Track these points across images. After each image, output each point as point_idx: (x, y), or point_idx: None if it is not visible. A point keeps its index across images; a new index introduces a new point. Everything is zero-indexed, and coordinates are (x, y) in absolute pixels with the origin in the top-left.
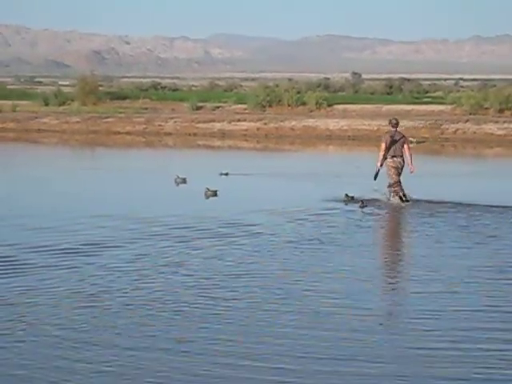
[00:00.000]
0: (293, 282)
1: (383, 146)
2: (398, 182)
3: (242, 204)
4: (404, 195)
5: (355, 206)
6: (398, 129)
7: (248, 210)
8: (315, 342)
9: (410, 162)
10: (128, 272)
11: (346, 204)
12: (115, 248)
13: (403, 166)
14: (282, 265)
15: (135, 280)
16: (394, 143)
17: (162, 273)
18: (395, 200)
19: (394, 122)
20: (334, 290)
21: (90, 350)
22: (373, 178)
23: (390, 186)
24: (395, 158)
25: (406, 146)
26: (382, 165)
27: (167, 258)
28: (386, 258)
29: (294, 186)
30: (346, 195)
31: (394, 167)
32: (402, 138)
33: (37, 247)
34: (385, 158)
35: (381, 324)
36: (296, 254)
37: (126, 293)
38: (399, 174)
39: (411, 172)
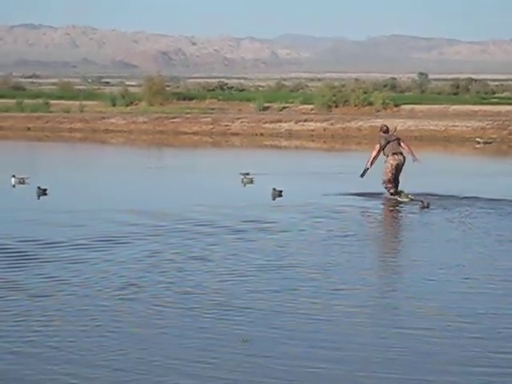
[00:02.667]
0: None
1: (377, 146)
2: (391, 180)
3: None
4: (395, 192)
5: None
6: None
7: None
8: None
9: (412, 154)
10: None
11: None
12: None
13: (403, 164)
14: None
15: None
16: (390, 142)
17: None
18: (388, 195)
19: (385, 128)
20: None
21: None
22: (360, 176)
23: (383, 182)
24: (396, 156)
25: (402, 143)
26: (371, 164)
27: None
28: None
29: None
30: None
31: (394, 164)
32: (396, 137)
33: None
34: (375, 158)
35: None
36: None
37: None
38: (397, 172)
39: (417, 161)
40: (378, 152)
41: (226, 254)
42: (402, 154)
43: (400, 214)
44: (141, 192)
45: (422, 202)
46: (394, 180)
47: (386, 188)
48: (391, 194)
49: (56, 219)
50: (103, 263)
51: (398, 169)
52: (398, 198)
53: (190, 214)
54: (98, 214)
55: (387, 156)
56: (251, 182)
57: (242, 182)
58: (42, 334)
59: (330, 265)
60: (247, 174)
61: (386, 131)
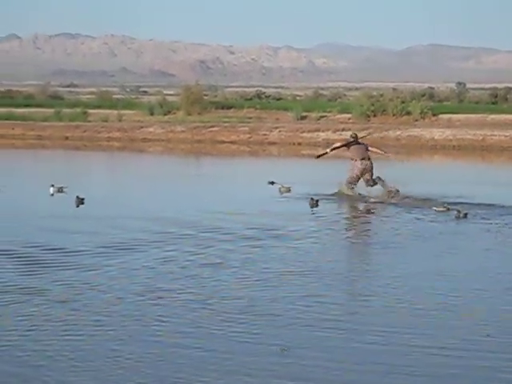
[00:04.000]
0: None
1: (342, 143)
2: (354, 181)
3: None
4: (353, 190)
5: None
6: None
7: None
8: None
9: (382, 151)
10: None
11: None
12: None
13: (371, 168)
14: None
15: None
16: (359, 148)
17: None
18: (350, 192)
19: (354, 135)
20: None
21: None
22: (315, 157)
23: (348, 182)
24: (363, 161)
25: (370, 147)
26: (331, 151)
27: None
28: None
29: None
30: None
31: (361, 169)
32: (364, 145)
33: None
34: (336, 148)
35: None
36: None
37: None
38: (362, 175)
39: (389, 156)
40: (342, 145)
41: (278, 259)
42: (369, 159)
43: (432, 224)
44: (174, 200)
45: (458, 211)
46: (368, 181)
47: (348, 184)
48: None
49: (89, 227)
50: (121, 270)
51: (364, 173)
52: (350, 193)
53: (219, 222)
54: (130, 222)
55: (355, 160)
56: (289, 191)
57: (280, 191)
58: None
59: (360, 272)
60: (272, 182)
61: (355, 138)
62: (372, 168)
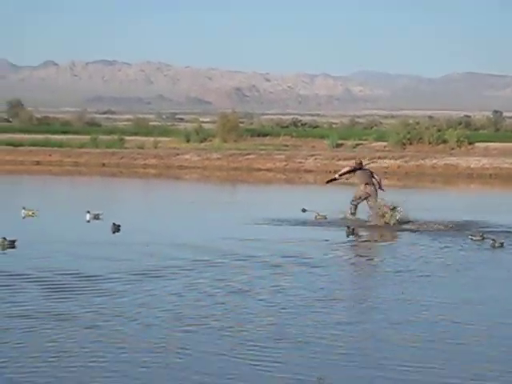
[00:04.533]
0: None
1: (349, 168)
2: (357, 202)
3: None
4: (354, 213)
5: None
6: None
7: None
8: None
9: (380, 184)
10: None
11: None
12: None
13: (374, 192)
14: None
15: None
16: (363, 174)
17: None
18: (350, 216)
19: (358, 161)
20: None
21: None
22: (326, 182)
23: (352, 201)
24: (367, 186)
25: (374, 175)
26: (340, 176)
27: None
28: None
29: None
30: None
31: (364, 192)
32: (369, 171)
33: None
34: (345, 174)
35: None
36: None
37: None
38: (365, 199)
39: (383, 190)
40: (349, 171)
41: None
42: (373, 185)
43: (467, 253)
44: (207, 228)
45: (493, 240)
46: (372, 208)
47: (351, 203)
48: (351, 213)
49: (122, 254)
50: (150, 297)
51: (367, 196)
52: (350, 216)
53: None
54: (162, 249)
55: (359, 185)
56: (325, 218)
57: (316, 218)
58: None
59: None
60: (304, 210)
61: (360, 164)
62: (376, 193)
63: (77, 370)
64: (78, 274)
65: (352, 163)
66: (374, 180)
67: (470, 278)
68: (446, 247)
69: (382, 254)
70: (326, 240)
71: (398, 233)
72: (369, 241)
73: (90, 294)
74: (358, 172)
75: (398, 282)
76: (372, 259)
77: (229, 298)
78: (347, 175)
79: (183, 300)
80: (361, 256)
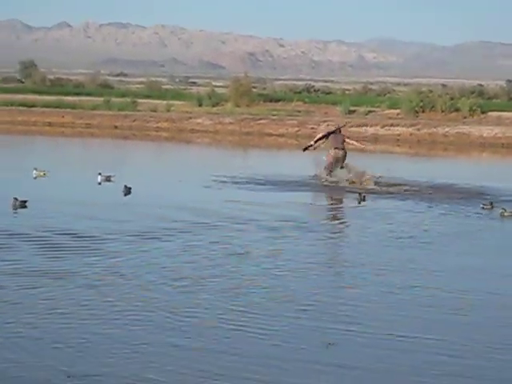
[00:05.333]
0: None
1: (324, 133)
2: (330, 167)
3: None
4: (330, 175)
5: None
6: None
7: None
8: None
9: (359, 143)
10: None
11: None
12: None
13: (344, 156)
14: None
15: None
16: (335, 138)
17: None
18: (325, 176)
19: (337, 126)
20: None
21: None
22: (302, 149)
23: (325, 167)
24: (336, 150)
25: (347, 139)
26: (312, 145)
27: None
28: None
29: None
30: (485, 204)
31: (334, 157)
32: (342, 136)
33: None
34: (319, 140)
35: None
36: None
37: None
38: (337, 162)
39: (364, 145)
40: (323, 136)
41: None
42: (343, 149)
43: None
44: (215, 192)
45: (503, 209)
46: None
47: (325, 169)
48: (327, 175)
49: (127, 215)
50: (147, 255)
51: (338, 160)
52: (328, 177)
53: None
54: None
55: (330, 149)
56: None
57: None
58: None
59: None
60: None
61: (337, 129)
62: (344, 158)
63: (72, 326)
64: (77, 234)
65: (324, 128)
66: (345, 144)
67: (471, 246)
68: (446, 215)
69: (378, 220)
70: (322, 204)
71: (391, 199)
72: (362, 206)
73: (87, 253)
74: (331, 136)
75: (400, 248)
76: (369, 225)
77: (227, 260)
78: (322, 140)
79: (181, 260)
80: (356, 221)
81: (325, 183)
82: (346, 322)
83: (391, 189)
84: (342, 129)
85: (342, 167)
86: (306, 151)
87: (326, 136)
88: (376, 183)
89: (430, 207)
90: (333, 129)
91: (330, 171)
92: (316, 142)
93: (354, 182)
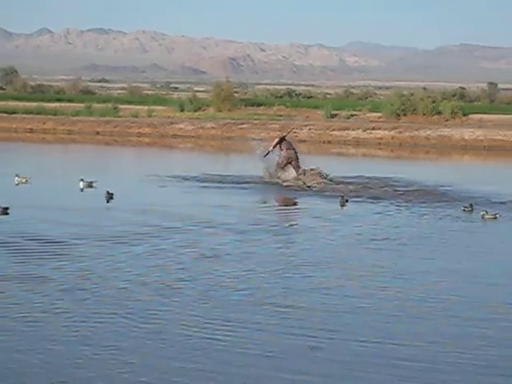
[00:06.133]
0: None
1: (276, 140)
2: (283, 165)
3: None
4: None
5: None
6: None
7: None
8: None
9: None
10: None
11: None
12: None
13: (295, 156)
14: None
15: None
16: (287, 143)
17: None
18: (278, 173)
19: (282, 135)
20: None
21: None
22: (263, 156)
23: (277, 166)
24: (289, 150)
25: (292, 145)
26: (269, 152)
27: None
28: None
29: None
30: (466, 206)
31: (286, 157)
32: (289, 142)
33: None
34: (275, 146)
35: None
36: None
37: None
38: (289, 161)
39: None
40: (278, 143)
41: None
42: (293, 149)
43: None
44: (195, 197)
45: (485, 211)
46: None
47: (277, 169)
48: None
49: (105, 220)
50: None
51: (290, 161)
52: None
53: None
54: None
55: (283, 150)
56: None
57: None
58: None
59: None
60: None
61: (283, 137)
62: (297, 157)
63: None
64: (47, 239)
65: (277, 135)
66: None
67: (443, 247)
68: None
69: (348, 221)
70: (295, 207)
71: (357, 201)
72: (334, 208)
73: (57, 258)
74: (284, 142)
75: (374, 250)
76: (339, 227)
77: (199, 262)
78: (277, 146)
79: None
80: (325, 223)
81: (285, 183)
82: (328, 329)
83: (339, 186)
84: (287, 136)
85: (297, 166)
86: (266, 157)
87: (279, 143)
88: (325, 179)
89: (410, 210)
90: (283, 135)
91: (282, 168)
92: (274, 147)
93: (300, 178)
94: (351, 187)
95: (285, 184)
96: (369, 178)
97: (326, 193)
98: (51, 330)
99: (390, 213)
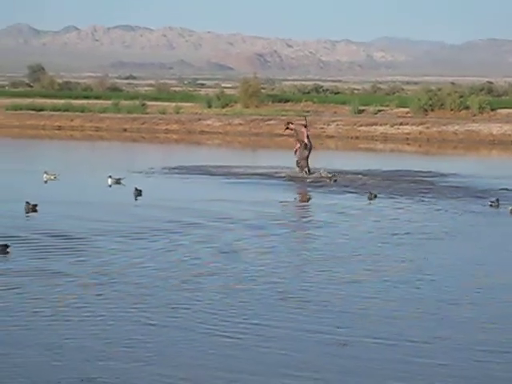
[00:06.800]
0: None
1: (304, 130)
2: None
3: None
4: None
5: None
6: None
7: None
8: None
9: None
10: None
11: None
12: None
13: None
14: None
15: None
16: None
17: None
18: (303, 174)
19: (305, 124)
20: None
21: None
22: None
23: (302, 157)
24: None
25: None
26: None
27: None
28: None
29: None
30: (492, 201)
31: (309, 148)
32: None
33: None
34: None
35: None
36: None
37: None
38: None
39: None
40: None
41: None
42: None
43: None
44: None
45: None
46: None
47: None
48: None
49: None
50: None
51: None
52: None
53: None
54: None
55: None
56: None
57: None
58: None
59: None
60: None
61: (306, 127)
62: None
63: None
64: (70, 235)
65: (302, 123)
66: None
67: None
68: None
69: (367, 216)
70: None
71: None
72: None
73: (77, 254)
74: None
75: (401, 245)
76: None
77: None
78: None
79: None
80: (346, 218)
81: (311, 177)
82: (358, 318)
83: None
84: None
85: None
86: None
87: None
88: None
89: (437, 207)
90: (304, 123)
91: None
92: (308, 138)
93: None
94: (378, 182)
95: (311, 177)
96: (396, 172)
97: (354, 188)
98: (73, 325)
99: (417, 208)
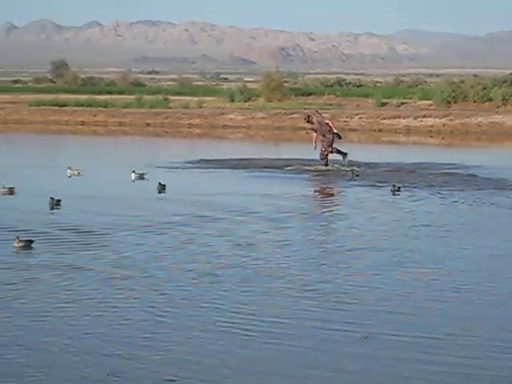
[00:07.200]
0: None
1: (329, 122)
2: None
3: None
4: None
5: None
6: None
7: None
8: None
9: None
10: None
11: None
12: None
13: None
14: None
15: None
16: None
17: None
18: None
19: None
20: None
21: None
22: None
23: (327, 149)
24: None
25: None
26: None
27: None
28: None
29: None
30: None
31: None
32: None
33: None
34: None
35: None
36: None
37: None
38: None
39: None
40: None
41: None
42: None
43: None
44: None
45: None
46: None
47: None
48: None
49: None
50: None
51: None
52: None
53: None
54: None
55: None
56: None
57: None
58: None
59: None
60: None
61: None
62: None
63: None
64: (91, 230)
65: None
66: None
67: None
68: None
69: (383, 208)
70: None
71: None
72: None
73: (99, 248)
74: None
75: (415, 236)
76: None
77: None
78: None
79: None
80: (361, 210)
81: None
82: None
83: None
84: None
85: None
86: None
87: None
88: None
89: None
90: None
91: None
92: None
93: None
94: (402, 174)
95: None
96: (420, 165)
97: (377, 181)
98: (92, 319)
99: (440, 200)
